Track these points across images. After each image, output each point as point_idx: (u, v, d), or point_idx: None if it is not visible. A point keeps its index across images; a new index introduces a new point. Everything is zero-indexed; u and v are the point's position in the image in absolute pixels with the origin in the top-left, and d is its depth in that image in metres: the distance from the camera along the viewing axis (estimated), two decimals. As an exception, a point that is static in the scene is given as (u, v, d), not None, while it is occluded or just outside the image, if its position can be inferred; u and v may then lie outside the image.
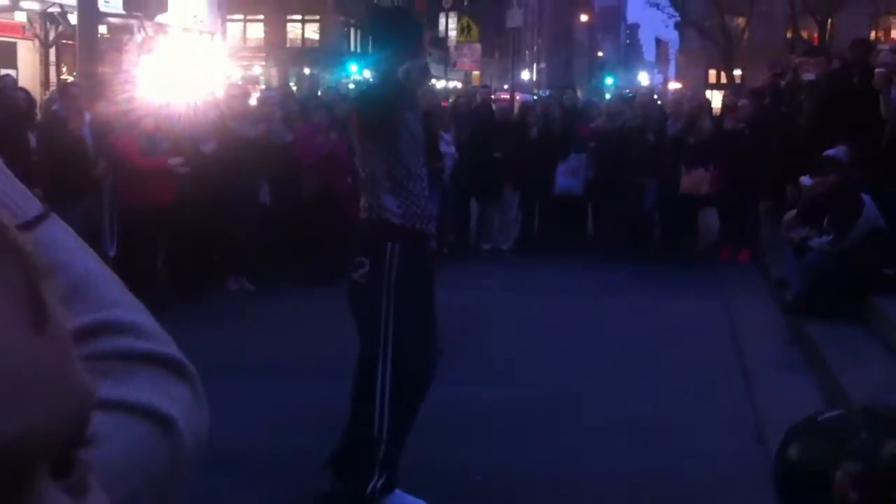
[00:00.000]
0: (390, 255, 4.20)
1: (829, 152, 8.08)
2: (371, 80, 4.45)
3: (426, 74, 4.57)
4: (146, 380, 0.81)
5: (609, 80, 51.89)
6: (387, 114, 4.16)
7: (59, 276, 0.80)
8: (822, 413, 1.53)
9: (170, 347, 0.86)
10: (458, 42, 34.12)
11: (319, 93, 12.72)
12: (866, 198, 7.62)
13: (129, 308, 0.85)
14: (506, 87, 41.04)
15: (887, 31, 41.97)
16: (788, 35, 36.18)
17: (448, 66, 41.15)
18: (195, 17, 29.16)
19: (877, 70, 8.61)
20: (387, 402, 4.23)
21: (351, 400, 4.45)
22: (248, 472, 4.81)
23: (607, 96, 18.23)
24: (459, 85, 34.27)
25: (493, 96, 15.49)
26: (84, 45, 12.94)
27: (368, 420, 4.26)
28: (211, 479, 4.06)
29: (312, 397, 5.91)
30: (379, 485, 4.27)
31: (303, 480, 4.71)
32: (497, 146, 11.32)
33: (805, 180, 8.55)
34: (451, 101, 14.28)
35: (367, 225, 4.33)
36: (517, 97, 20.09)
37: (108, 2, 16.41)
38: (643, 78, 72.87)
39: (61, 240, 0.83)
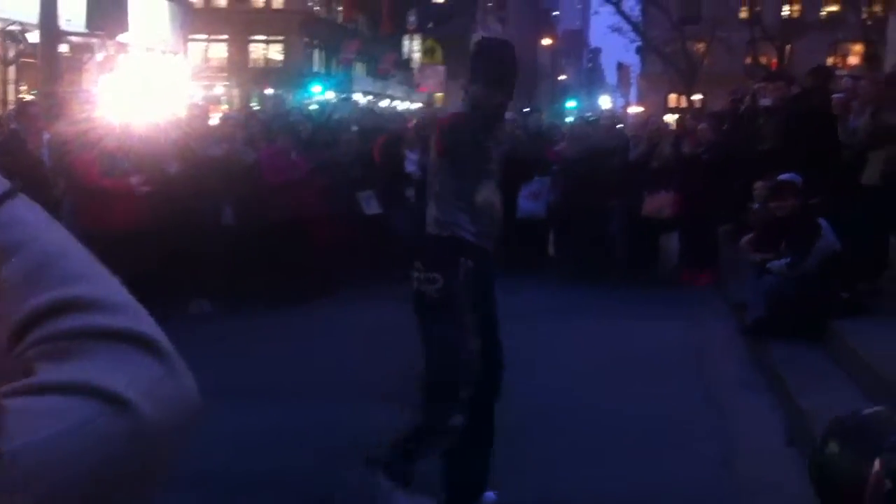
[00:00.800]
0: (464, 271, 4.28)
1: (785, 176, 8.16)
2: (461, 105, 4.59)
3: (502, 109, 4.61)
4: (102, 358, 0.78)
5: (571, 104, 52.26)
6: (465, 141, 4.28)
7: (21, 255, 0.79)
8: (860, 410, 1.65)
9: (138, 322, 0.84)
10: (422, 64, 34.24)
11: (287, 110, 12.70)
12: (823, 222, 7.72)
13: (94, 282, 0.83)
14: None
15: (844, 58, 42.73)
16: (748, 60, 36.73)
17: (412, 87, 41.24)
18: (157, 36, 29.00)
19: (835, 96, 8.75)
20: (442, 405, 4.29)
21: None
22: (212, 494, 4.77)
23: (568, 119, 18.34)
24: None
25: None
26: (45, 64, 12.83)
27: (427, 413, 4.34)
28: (173, 501, 4.01)
29: (275, 419, 5.89)
30: (389, 467, 4.30)
31: (266, 502, 4.68)
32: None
33: (756, 206, 8.66)
34: (414, 122, 14.30)
35: (437, 241, 4.37)
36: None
37: (69, 20, 16.28)
38: (605, 101, 73.39)
39: (25, 217, 0.82)
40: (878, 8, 27.22)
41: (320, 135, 11.05)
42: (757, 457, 5.41)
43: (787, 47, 36.87)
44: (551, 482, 5.04)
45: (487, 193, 4.39)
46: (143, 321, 0.84)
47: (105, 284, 0.84)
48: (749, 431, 5.89)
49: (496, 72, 4.36)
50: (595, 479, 5.08)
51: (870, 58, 28.19)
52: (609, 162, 11.24)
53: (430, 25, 47.16)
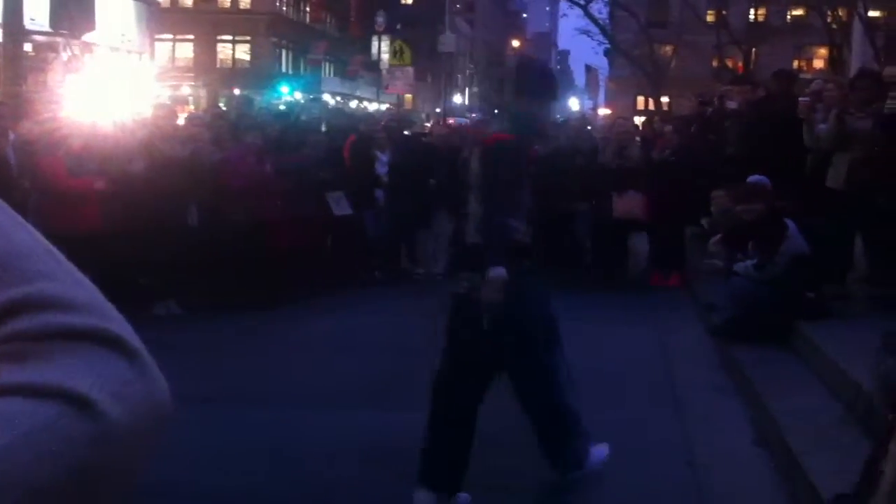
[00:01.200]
0: (517, 273, 4.40)
1: (753, 179, 8.20)
2: (504, 122, 4.91)
3: (534, 125, 4.92)
4: (66, 358, 0.75)
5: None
6: (507, 163, 4.57)
7: None
8: None
9: (107, 321, 0.80)
10: (390, 65, 34.19)
11: (257, 109, 12.63)
12: (790, 223, 7.76)
13: (60, 281, 0.79)
14: (438, 110, 41.16)
15: (809, 61, 43.23)
16: (714, 64, 37.05)
17: (380, 89, 41.17)
18: (123, 36, 28.75)
19: (801, 99, 8.81)
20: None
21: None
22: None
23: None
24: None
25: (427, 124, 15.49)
26: (9, 64, 12.67)
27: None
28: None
29: (237, 427, 5.81)
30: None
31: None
32: (431, 174, 11.25)
33: (715, 213, 8.71)
34: (383, 123, 14.27)
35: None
36: (450, 122, 20.15)
37: (33, 19, 16.10)
38: (573, 103, 73.73)
39: None
40: (842, 12, 27.53)
41: (289, 135, 10.97)
42: (725, 459, 5.43)
43: (754, 51, 37.23)
44: (522, 484, 5.04)
45: (526, 193, 4.76)
46: (111, 320, 0.80)
47: (72, 283, 0.80)
48: (717, 433, 5.91)
49: (539, 85, 4.71)
50: (564, 481, 5.08)
51: (834, 61, 28.51)
52: (575, 164, 11.24)
53: (399, 27, 47.17)
